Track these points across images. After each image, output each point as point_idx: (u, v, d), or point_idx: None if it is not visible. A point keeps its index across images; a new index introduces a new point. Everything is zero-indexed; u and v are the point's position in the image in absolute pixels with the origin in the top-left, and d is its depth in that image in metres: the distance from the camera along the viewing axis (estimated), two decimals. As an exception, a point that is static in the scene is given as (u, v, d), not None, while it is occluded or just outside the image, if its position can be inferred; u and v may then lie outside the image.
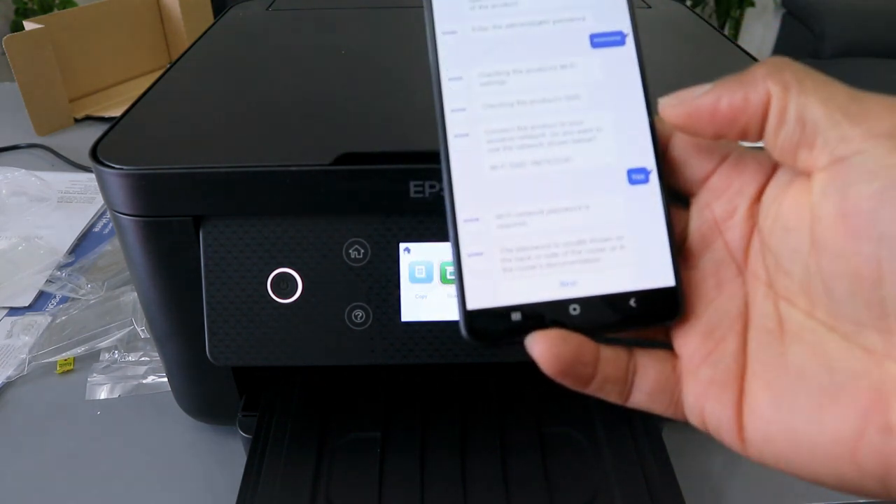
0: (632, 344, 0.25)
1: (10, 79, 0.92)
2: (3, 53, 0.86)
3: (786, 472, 0.21)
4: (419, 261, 0.36)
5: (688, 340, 0.24)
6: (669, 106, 0.23)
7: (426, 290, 0.36)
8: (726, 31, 2.95)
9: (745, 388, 0.22)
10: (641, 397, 0.24)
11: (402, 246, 0.36)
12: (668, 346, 0.25)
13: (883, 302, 0.19)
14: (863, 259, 0.19)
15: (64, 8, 2.37)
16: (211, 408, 0.46)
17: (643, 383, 0.24)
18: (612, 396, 0.24)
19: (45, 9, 2.51)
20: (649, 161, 0.25)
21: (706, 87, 0.23)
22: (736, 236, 0.24)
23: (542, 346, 0.22)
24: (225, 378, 0.42)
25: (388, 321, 0.36)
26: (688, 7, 0.62)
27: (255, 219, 0.36)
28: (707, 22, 0.57)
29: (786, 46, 2.64)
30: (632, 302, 0.24)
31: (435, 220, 0.36)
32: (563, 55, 0.25)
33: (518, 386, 0.45)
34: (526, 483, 0.39)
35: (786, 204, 0.22)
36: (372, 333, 0.37)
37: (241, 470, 0.40)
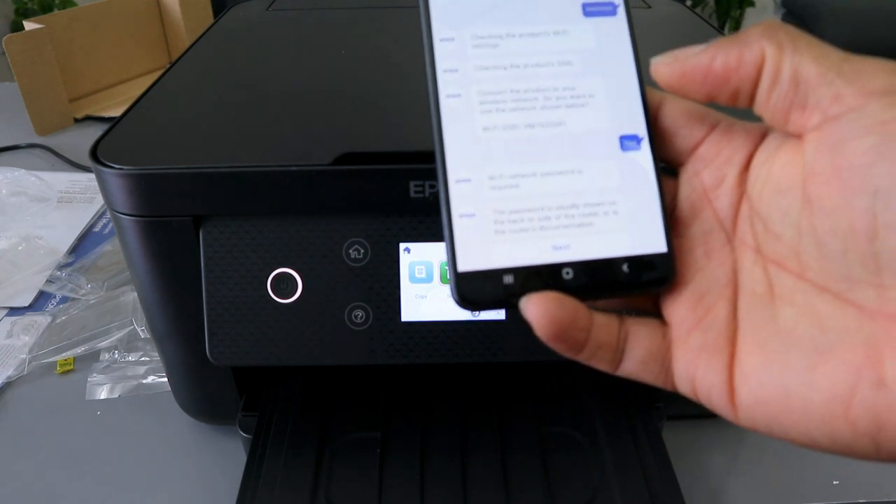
0: (622, 312, 0.24)
1: (10, 79, 0.92)
2: (3, 53, 0.86)
3: (778, 437, 0.21)
4: (419, 261, 0.36)
5: (678, 308, 0.24)
6: (663, 64, 0.23)
7: (426, 289, 0.36)
8: (726, 31, 2.95)
9: (736, 352, 0.22)
10: (633, 365, 0.24)
11: (402, 246, 0.36)
12: (656, 315, 0.25)
13: (877, 256, 0.19)
14: (857, 214, 0.19)
15: (64, 8, 2.37)
16: (211, 408, 0.46)
17: (634, 351, 0.24)
18: (602, 364, 0.24)
19: (45, 9, 2.51)
20: (641, 128, 0.25)
21: (700, 46, 0.23)
22: (724, 204, 0.24)
23: (538, 309, 0.22)
24: (225, 378, 0.42)
25: (388, 321, 0.36)
26: (688, 7, 0.62)
27: (255, 219, 0.36)
28: (707, 22, 0.57)
29: (786, 46, 2.63)
30: (624, 267, 0.24)
31: (435, 220, 0.36)
32: (555, 22, 0.26)
33: (518, 386, 0.45)
34: (526, 483, 0.39)
35: (776, 166, 0.22)
36: (372, 333, 0.37)
37: (241, 470, 0.40)
